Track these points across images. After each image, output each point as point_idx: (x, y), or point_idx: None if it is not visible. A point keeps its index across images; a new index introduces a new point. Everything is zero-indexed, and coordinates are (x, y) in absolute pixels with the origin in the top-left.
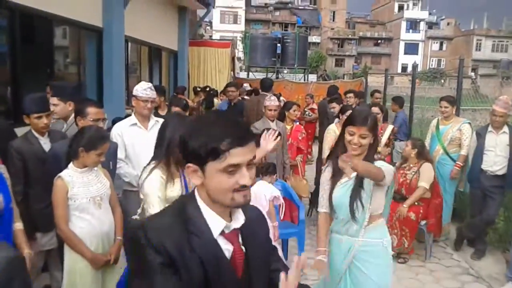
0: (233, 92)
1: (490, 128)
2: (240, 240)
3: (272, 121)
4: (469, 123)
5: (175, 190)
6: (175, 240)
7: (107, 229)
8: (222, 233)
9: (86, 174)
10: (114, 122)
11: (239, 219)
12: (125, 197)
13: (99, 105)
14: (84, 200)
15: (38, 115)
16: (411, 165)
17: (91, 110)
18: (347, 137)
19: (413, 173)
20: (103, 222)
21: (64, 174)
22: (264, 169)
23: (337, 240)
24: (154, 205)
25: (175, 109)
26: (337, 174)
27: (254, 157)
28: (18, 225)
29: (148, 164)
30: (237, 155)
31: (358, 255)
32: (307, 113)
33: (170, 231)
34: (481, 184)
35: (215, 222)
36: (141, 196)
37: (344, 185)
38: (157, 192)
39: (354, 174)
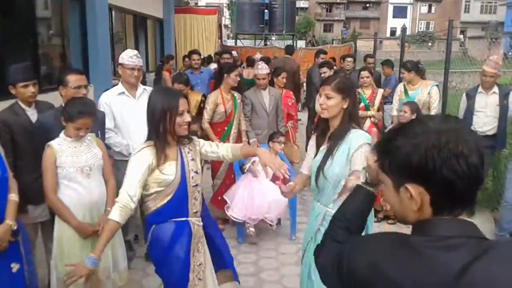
0: (228, 59)
1: (480, 89)
2: None
3: (264, 89)
4: (436, 85)
5: (169, 173)
6: None
7: (96, 199)
8: None
9: (76, 144)
10: None
11: None
12: (116, 167)
13: (79, 72)
14: (71, 170)
15: (25, 83)
16: None
17: (71, 78)
18: (319, 100)
19: None
20: (92, 192)
21: (54, 142)
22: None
23: (312, 205)
24: (128, 185)
25: (178, 86)
26: (320, 142)
27: None
28: (12, 196)
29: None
30: None
31: (326, 223)
32: None
33: None
34: None
35: None
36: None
37: (320, 152)
38: (138, 176)
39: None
